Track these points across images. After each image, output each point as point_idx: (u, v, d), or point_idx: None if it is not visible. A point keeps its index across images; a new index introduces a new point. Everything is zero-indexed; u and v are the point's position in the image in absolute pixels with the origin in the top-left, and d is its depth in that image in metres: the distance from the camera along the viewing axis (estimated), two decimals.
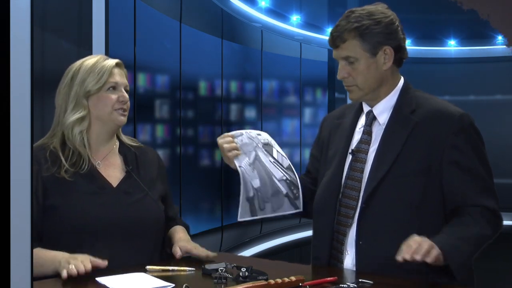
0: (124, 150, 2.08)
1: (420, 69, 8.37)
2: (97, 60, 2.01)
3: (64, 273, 1.69)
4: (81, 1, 3.27)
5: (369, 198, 1.85)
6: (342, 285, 1.61)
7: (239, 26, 6.45)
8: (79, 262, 1.71)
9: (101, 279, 1.69)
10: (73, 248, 1.85)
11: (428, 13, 7.80)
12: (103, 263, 1.74)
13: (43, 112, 2.96)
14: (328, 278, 1.67)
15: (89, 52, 3.13)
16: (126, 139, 2.12)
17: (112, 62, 2.02)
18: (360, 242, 1.85)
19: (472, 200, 1.84)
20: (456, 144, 1.84)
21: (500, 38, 8.28)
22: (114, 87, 2.00)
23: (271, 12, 6.83)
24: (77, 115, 1.97)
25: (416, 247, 1.63)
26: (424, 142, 1.85)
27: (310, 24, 7.33)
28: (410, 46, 8.52)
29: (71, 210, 1.89)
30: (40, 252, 1.80)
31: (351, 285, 1.61)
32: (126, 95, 2.02)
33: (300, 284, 1.61)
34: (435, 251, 1.65)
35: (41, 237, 1.90)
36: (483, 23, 7.90)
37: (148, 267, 1.81)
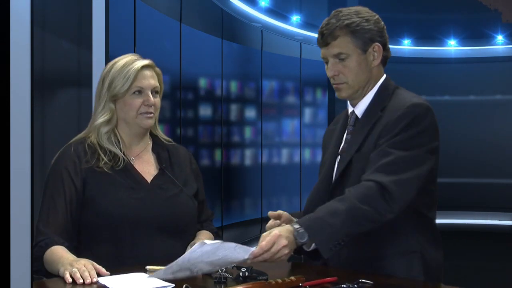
0: (157, 149, 2.10)
1: (420, 69, 8.37)
2: (126, 62, 2.01)
3: (67, 276, 1.69)
4: (81, 1, 3.27)
5: (333, 190, 1.91)
6: (342, 285, 1.61)
7: (239, 26, 6.45)
8: (82, 266, 1.71)
9: (101, 279, 1.69)
10: (113, 241, 1.90)
11: (428, 13, 7.80)
12: (106, 272, 1.74)
13: (43, 112, 2.97)
14: (328, 278, 1.67)
15: (89, 52, 3.13)
16: (162, 135, 2.14)
17: (139, 65, 2.01)
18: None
19: (368, 175, 1.79)
20: (392, 129, 1.83)
21: (500, 38, 8.28)
22: (140, 91, 2.01)
23: (271, 12, 6.83)
24: (103, 118, 2.01)
25: (267, 249, 1.65)
26: (378, 132, 1.87)
27: (310, 24, 7.33)
28: (410, 46, 8.52)
29: (110, 202, 1.93)
30: (55, 250, 1.83)
31: (351, 285, 1.62)
32: (152, 99, 2.02)
33: (300, 284, 1.61)
34: (282, 242, 1.65)
35: (79, 231, 1.94)
36: (483, 23, 7.90)
37: (148, 267, 1.81)
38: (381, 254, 1.86)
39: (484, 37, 8.30)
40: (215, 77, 5.85)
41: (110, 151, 1.99)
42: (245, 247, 1.66)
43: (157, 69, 2.08)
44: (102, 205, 1.92)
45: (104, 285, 1.65)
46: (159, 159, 2.08)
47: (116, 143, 2.01)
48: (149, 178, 2.03)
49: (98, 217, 1.92)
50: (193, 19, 5.34)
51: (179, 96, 5.10)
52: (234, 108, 6.26)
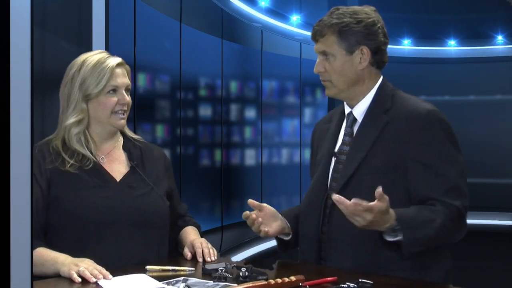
0: (129, 146, 2.07)
1: (420, 69, 8.37)
2: (98, 60, 1.97)
3: (75, 276, 1.69)
4: (81, 1, 3.26)
5: (340, 191, 1.86)
6: (342, 285, 1.61)
7: (239, 26, 6.45)
8: (90, 265, 1.71)
9: (99, 280, 1.69)
10: (79, 241, 1.87)
11: (428, 13, 7.79)
12: (106, 273, 1.73)
13: (43, 112, 2.96)
14: (328, 278, 1.67)
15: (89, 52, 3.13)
16: (131, 134, 2.11)
17: (113, 63, 1.98)
18: (331, 242, 1.87)
19: (437, 198, 1.81)
20: (420, 141, 1.83)
21: (500, 38, 8.28)
22: (114, 90, 1.98)
23: (271, 12, 6.83)
24: (74, 118, 1.97)
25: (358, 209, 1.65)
26: (392, 141, 1.86)
27: (310, 24, 7.31)
28: (410, 46, 8.52)
29: (75, 202, 1.89)
30: (42, 251, 1.81)
31: (351, 285, 1.61)
32: (126, 97, 2.00)
33: (300, 284, 1.61)
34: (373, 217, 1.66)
35: (45, 230, 1.90)
36: (483, 23, 7.90)
37: (148, 267, 1.81)
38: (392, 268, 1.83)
39: (484, 37, 8.30)
40: (215, 77, 5.85)
41: (78, 153, 1.95)
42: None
43: (127, 66, 2.04)
44: (66, 205, 1.89)
45: (102, 286, 1.65)
46: (130, 157, 2.05)
47: (85, 144, 1.97)
48: (118, 177, 1.99)
49: (63, 216, 1.88)
50: (193, 19, 5.33)
51: (179, 96, 5.10)
52: (234, 108, 6.26)
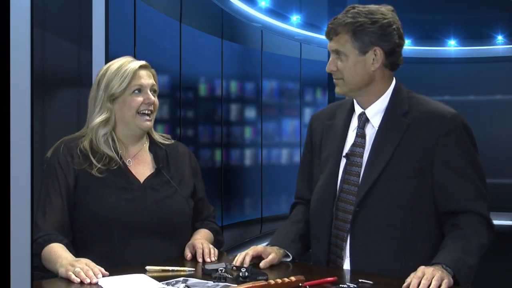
0: (154, 148, 2.09)
1: (420, 69, 8.37)
2: (122, 63, 2.01)
3: (73, 276, 1.69)
4: (81, 1, 3.26)
5: (362, 201, 1.84)
6: (342, 285, 1.61)
7: (239, 26, 6.45)
8: (84, 266, 1.71)
9: (100, 280, 1.69)
10: (101, 242, 1.90)
11: (428, 13, 7.79)
12: (105, 272, 1.73)
13: (43, 112, 2.96)
14: (328, 278, 1.67)
15: (89, 52, 3.13)
16: (158, 137, 2.12)
17: (136, 64, 2.02)
18: (354, 247, 1.85)
19: (465, 206, 1.82)
20: (447, 145, 1.83)
21: (500, 38, 8.28)
22: (140, 90, 2.01)
23: (271, 12, 6.83)
24: (100, 118, 1.99)
25: (425, 283, 1.62)
26: (416, 144, 1.84)
27: (310, 24, 7.32)
28: (410, 46, 8.51)
29: (97, 203, 1.92)
30: (54, 248, 1.83)
31: (351, 285, 1.62)
32: (152, 97, 2.02)
33: (300, 284, 1.61)
34: (446, 282, 1.64)
35: (72, 229, 1.94)
36: (483, 23, 7.90)
37: (147, 267, 1.81)
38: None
39: (484, 37, 8.30)
40: (215, 77, 5.85)
41: (105, 156, 1.98)
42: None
43: (152, 69, 2.08)
44: (90, 206, 1.92)
45: (101, 286, 1.65)
46: (156, 159, 2.07)
47: (113, 146, 2.00)
48: (142, 179, 2.01)
49: (87, 217, 1.92)
50: (193, 19, 5.34)
51: (179, 96, 5.10)
52: (234, 108, 6.26)
